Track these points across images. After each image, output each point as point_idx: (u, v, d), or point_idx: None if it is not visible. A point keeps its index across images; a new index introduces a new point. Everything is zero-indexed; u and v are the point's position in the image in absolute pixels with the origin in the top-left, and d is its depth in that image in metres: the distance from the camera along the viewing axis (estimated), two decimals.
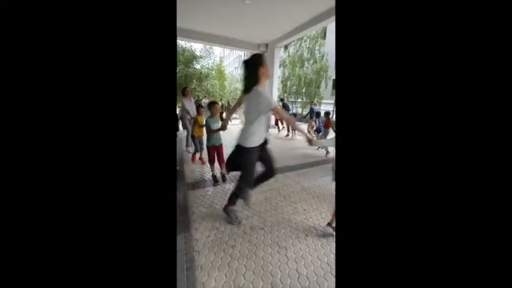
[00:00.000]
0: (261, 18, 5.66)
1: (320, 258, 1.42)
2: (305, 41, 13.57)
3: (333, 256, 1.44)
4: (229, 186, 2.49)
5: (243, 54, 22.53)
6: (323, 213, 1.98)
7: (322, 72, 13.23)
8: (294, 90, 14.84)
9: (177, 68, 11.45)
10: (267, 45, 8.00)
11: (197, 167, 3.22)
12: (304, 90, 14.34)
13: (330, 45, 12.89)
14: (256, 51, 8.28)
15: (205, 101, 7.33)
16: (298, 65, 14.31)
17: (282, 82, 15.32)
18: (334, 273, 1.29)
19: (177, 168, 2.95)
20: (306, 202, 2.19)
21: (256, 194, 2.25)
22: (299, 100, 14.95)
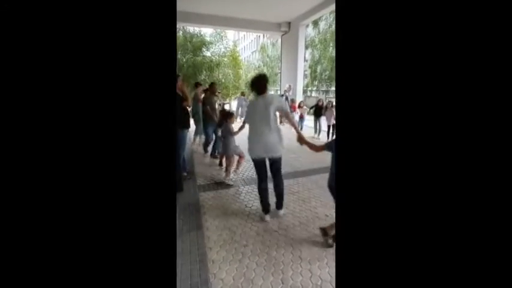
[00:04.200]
0: None
1: None
2: None
3: None
4: (242, 189, 2.85)
5: (262, 36, 22.84)
6: None
7: None
8: (327, 77, 14.64)
9: (185, 57, 12.26)
10: (289, 24, 8.26)
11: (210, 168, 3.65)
12: None
13: None
14: (276, 32, 8.58)
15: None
16: (331, 45, 14.11)
17: (310, 67, 15.18)
18: None
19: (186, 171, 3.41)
20: (327, 207, 2.42)
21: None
22: (332, 89, 14.69)
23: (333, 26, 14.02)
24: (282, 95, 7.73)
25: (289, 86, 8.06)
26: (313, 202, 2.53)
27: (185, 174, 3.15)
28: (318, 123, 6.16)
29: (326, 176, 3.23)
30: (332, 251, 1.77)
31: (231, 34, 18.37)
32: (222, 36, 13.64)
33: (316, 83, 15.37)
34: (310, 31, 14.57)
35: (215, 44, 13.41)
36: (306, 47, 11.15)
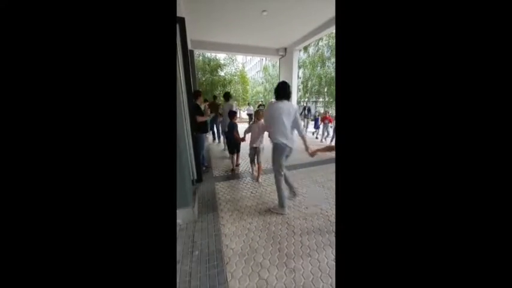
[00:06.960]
0: (278, 25, 5.95)
1: (322, 234, 1.67)
2: (325, 40, 13.33)
3: (333, 234, 1.68)
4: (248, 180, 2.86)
5: (264, 59, 22.92)
6: (331, 203, 2.20)
7: None
8: (316, 90, 14.67)
9: (204, 76, 12.47)
10: (285, 49, 8.25)
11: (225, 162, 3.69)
12: (326, 90, 14.06)
13: None
14: (275, 56, 8.59)
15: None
16: (318, 65, 14.13)
17: (302, 83, 15.27)
18: (332, 246, 1.54)
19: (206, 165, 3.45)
20: (316, 193, 2.42)
21: (271, 186, 2.57)
22: (320, 100, 14.69)
23: (320, 51, 14.00)
24: (305, 108, 7.66)
25: None
26: (303, 189, 2.54)
27: (204, 168, 3.20)
28: (325, 130, 5.88)
29: (313, 169, 3.25)
30: (318, 226, 1.78)
31: (240, 58, 18.43)
32: (233, 60, 13.83)
33: (307, 95, 15.42)
34: (302, 55, 14.63)
35: (227, 66, 13.61)
36: (299, 67, 11.13)
